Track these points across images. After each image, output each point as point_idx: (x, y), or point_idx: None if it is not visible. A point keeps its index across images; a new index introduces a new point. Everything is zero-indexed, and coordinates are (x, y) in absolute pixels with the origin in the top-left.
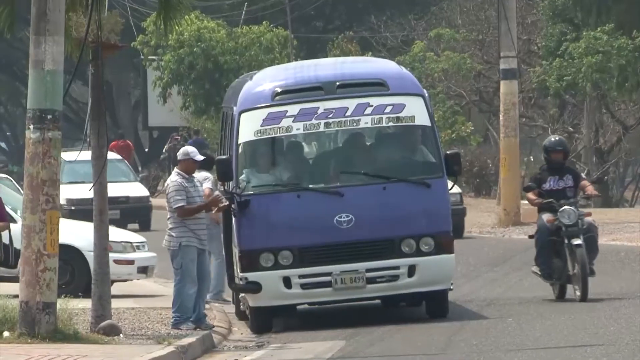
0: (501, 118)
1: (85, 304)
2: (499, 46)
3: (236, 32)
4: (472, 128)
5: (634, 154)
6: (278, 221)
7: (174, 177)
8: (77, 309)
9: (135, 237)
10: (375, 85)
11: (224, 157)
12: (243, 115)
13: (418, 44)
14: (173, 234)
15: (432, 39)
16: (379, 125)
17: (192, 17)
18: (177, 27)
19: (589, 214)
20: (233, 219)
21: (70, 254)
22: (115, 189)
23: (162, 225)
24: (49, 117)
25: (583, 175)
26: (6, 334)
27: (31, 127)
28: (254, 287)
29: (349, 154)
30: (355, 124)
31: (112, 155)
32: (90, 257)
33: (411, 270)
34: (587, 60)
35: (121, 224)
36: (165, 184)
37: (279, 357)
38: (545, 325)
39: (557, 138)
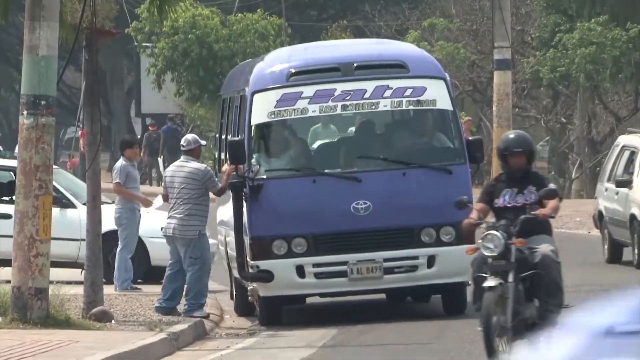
0: (494, 108)
1: (77, 289)
2: (493, 36)
3: (230, 20)
4: (468, 117)
5: None
6: (292, 207)
7: (200, 165)
8: (69, 294)
9: None
10: (395, 67)
11: (237, 139)
12: (256, 96)
13: (412, 33)
14: (192, 222)
15: (425, 29)
16: (399, 108)
17: (187, 4)
18: (171, 14)
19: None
20: (244, 204)
21: None
22: None
23: None
24: (43, 102)
25: (552, 185)
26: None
27: (25, 112)
28: (266, 276)
29: (366, 138)
30: (373, 107)
31: None
32: (149, 243)
33: (430, 261)
34: (581, 51)
35: None
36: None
37: (271, 345)
38: None
39: (514, 135)
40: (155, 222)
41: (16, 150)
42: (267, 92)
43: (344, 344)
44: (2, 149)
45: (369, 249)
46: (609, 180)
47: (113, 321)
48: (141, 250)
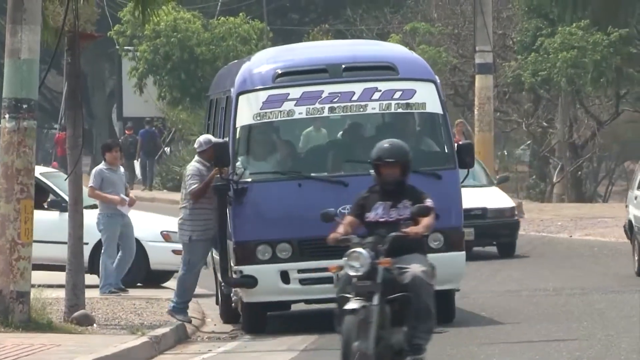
0: (476, 112)
1: (59, 293)
2: (475, 40)
3: (212, 23)
4: (460, 120)
5: (607, 149)
6: (277, 211)
7: (199, 165)
8: (50, 298)
9: None
10: (384, 69)
11: (221, 141)
12: (241, 98)
13: (394, 37)
14: (184, 227)
15: (407, 33)
16: (387, 111)
17: (169, 8)
18: (154, 17)
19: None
20: (228, 207)
21: None
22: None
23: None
24: (25, 106)
25: (428, 201)
26: None
27: (6, 116)
28: (250, 282)
29: (354, 142)
30: (361, 110)
31: None
32: (149, 247)
33: None
34: (562, 55)
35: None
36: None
37: (253, 348)
38: (518, 319)
39: (388, 144)
40: (155, 226)
41: None
42: (253, 94)
43: (326, 347)
44: None
45: None
46: (639, 187)
47: (95, 325)
48: (140, 253)
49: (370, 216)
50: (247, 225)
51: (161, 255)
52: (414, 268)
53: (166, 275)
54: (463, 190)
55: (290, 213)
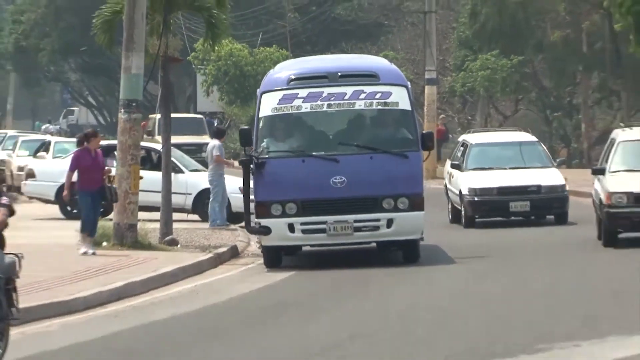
0: (425, 109)
1: (155, 225)
2: (425, 63)
3: (255, 52)
4: (443, 115)
5: None
6: (286, 179)
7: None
8: (150, 228)
9: None
10: (369, 77)
11: (246, 127)
12: (264, 96)
13: None
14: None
15: None
16: (370, 107)
17: (227, 41)
18: (217, 47)
19: None
20: (251, 176)
21: None
22: (525, 177)
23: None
24: (133, 104)
25: (4, 199)
26: (105, 244)
27: (122, 111)
28: (265, 230)
29: (345, 129)
30: (351, 106)
31: (523, 136)
32: (231, 197)
33: (389, 223)
34: (481, 73)
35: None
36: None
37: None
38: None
39: None
40: (234, 183)
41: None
42: (273, 93)
43: (316, 269)
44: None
45: (343, 212)
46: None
47: (179, 245)
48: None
49: None
50: (264, 189)
51: (238, 202)
52: None
53: (241, 216)
54: (527, 170)
55: (296, 181)
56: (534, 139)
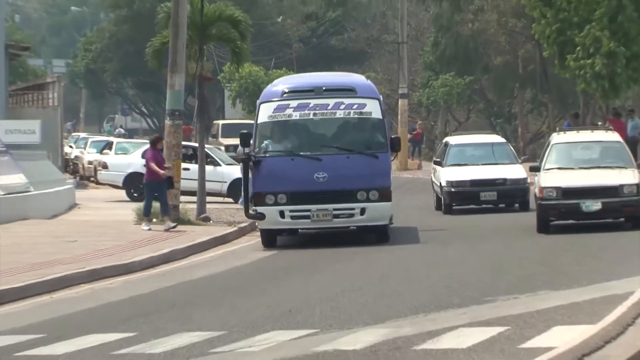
0: (399, 117)
1: (193, 205)
2: (398, 81)
3: (269, 73)
4: (420, 122)
5: None
6: (278, 174)
7: None
8: (189, 208)
9: None
10: (348, 91)
11: (246, 131)
12: (262, 105)
13: None
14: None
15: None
16: (348, 116)
17: (247, 65)
18: (240, 70)
19: None
20: (249, 171)
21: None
22: (493, 171)
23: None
24: (176, 113)
25: None
26: (154, 220)
27: (168, 118)
28: (261, 216)
29: (327, 134)
30: (332, 115)
31: (494, 138)
32: None
33: (362, 211)
34: (441, 89)
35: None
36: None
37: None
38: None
39: None
40: None
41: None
42: (269, 103)
43: (296, 249)
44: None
45: (324, 202)
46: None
47: (211, 221)
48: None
49: None
50: (260, 182)
51: None
52: None
53: None
54: (496, 166)
55: (286, 176)
56: (503, 140)
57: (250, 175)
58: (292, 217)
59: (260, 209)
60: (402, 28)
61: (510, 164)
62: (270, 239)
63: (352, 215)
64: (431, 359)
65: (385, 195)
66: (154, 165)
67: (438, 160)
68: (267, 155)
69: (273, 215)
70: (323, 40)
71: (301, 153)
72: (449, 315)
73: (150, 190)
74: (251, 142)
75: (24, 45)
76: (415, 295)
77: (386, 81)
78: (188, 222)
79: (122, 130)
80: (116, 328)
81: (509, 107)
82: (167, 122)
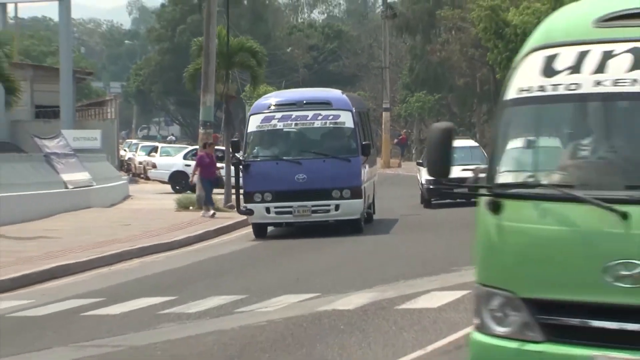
0: (383, 127)
1: (221, 196)
2: (383, 98)
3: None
4: (404, 130)
5: None
6: (265, 176)
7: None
8: (218, 198)
9: None
10: (325, 104)
11: (236, 139)
12: (252, 117)
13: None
14: None
15: None
16: (325, 126)
17: (262, 86)
18: (258, 89)
19: None
20: (241, 173)
21: None
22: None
23: None
24: (208, 124)
25: None
26: (191, 208)
27: (201, 127)
28: (250, 212)
29: (306, 141)
30: (311, 124)
31: (469, 143)
32: None
33: (337, 207)
34: (416, 104)
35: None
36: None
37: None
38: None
39: None
40: None
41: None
42: (257, 115)
43: (284, 237)
44: (192, 142)
45: (304, 199)
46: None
47: (235, 209)
48: None
49: None
50: (249, 182)
51: None
52: None
53: None
54: (469, 167)
55: (272, 177)
56: (477, 144)
57: (241, 176)
58: (277, 213)
59: (249, 205)
60: (385, 56)
61: (482, 164)
62: (260, 231)
63: (328, 211)
64: (409, 316)
65: (356, 193)
66: (197, 168)
67: (420, 161)
68: (255, 160)
69: (260, 211)
70: (323, 66)
71: (284, 158)
72: (423, 282)
73: (205, 185)
74: (241, 148)
75: (88, 71)
76: (397, 267)
77: (372, 98)
78: (217, 209)
79: (174, 138)
80: (160, 293)
81: (469, 118)
82: (201, 130)
